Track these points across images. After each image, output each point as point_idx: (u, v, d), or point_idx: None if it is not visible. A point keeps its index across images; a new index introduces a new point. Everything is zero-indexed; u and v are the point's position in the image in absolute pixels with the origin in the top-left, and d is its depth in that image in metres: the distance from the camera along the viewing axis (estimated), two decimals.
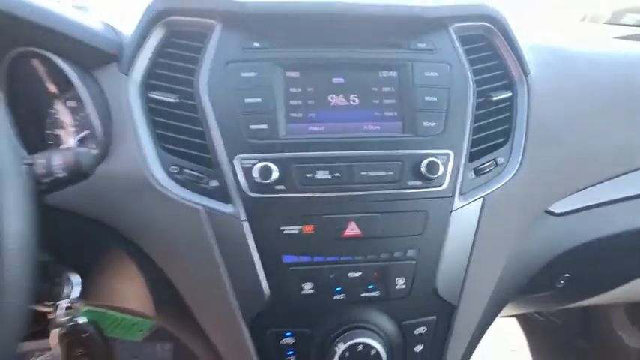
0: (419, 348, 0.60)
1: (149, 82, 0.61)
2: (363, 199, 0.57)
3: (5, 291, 0.38)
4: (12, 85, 0.61)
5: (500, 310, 0.69)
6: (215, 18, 0.60)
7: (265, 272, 0.56)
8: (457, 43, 0.64)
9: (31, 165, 0.50)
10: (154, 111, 0.60)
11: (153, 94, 0.60)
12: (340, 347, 0.55)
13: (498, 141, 0.65)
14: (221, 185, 0.57)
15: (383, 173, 0.58)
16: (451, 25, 0.64)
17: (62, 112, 0.71)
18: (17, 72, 0.60)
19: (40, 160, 0.51)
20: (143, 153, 0.57)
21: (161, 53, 0.61)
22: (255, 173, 0.55)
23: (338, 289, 0.57)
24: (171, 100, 0.59)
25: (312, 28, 0.61)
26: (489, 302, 0.64)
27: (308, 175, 0.56)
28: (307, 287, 0.56)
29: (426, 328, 0.60)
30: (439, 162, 0.58)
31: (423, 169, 0.57)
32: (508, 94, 0.65)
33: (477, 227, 0.61)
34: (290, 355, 0.57)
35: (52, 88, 0.64)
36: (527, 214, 0.66)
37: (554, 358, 1.47)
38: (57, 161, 0.51)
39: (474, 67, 0.64)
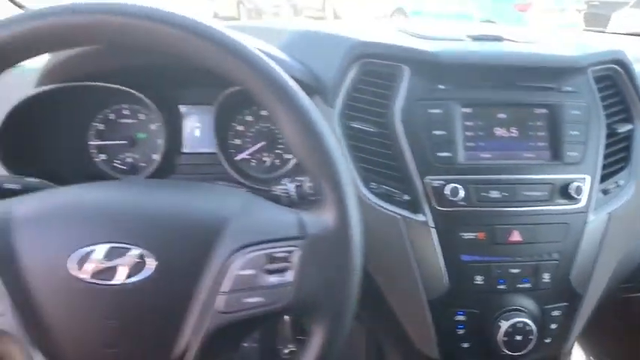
0: (554, 326, 0.78)
1: (345, 113, 0.76)
2: (524, 213, 0.74)
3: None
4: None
5: (612, 296, 0.87)
6: (405, 63, 0.75)
7: (446, 267, 0.74)
8: (593, 85, 0.79)
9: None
10: (352, 137, 0.76)
11: (353, 124, 0.76)
12: (504, 324, 0.73)
13: (619, 166, 0.81)
14: (412, 199, 0.74)
15: (538, 193, 0.74)
16: (590, 68, 0.79)
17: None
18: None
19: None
20: (353, 173, 0.74)
21: (356, 89, 0.77)
22: (446, 191, 0.71)
23: (501, 281, 0.74)
24: (370, 129, 0.75)
25: (485, 73, 0.76)
26: (604, 290, 0.82)
27: (483, 194, 0.73)
28: (478, 279, 0.74)
29: (560, 312, 0.78)
30: (581, 185, 0.74)
31: (570, 191, 0.74)
32: (630, 126, 0.81)
33: (603, 236, 0.78)
34: (460, 328, 0.76)
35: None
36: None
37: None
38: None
39: (604, 104, 0.80)
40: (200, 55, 0.48)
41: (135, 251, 0.47)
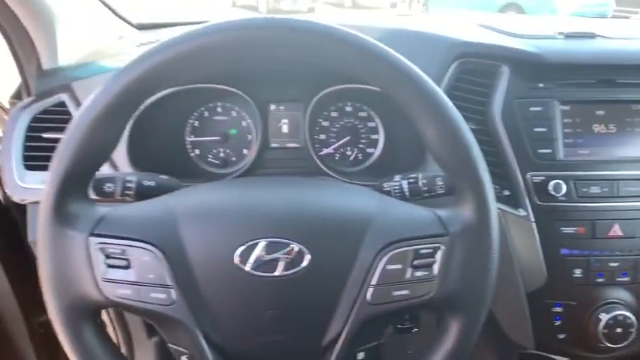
0: None
1: None
2: (624, 208, 0.76)
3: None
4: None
5: None
6: (505, 62, 0.77)
7: (545, 260, 0.76)
8: None
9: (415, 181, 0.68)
10: None
11: None
12: (604, 317, 0.75)
13: None
14: (513, 194, 0.76)
15: (638, 189, 0.76)
16: None
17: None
18: None
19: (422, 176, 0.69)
20: None
21: (455, 87, 0.79)
22: (549, 187, 0.73)
23: (600, 274, 0.76)
24: (469, 127, 0.77)
25: (585, 71, 0.78)
26: None
27: (583, 189, 0.75)
28: (577, 272, 0.76)
29: None
30: None
31: None
32: None
33: None
34: (557, 320, 0.78)
35: None
36: None
37: None
38: (439, 182, 0.69)
39: None
40: (344, 58, 0.50)
41: (293, 246, 0.51)
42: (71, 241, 0.50)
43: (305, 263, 0.51)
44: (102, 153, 0.51)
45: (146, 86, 0.48)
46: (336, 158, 0.98)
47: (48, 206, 0.49)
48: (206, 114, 0.95)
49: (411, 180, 0.67)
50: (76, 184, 0.50)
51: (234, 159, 0.96)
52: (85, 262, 0.50)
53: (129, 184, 0.63)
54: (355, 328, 0.52)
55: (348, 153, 0.98)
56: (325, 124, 0.97)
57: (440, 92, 0.51)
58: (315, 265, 0.51)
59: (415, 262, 0.52)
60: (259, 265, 0.50)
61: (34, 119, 0.83)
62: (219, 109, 0.95)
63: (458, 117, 0.51)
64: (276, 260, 0.50)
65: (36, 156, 0.81)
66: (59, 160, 0.49)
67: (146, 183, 0.65)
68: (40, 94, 0.84)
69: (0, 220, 1.04)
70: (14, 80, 0.95)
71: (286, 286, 0.51)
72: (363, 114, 0.96)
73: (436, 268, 0.52)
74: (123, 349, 1.14)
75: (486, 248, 0.52)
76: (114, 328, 1.13)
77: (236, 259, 0.50)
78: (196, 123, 0.95)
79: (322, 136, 0.97)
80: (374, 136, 0.97)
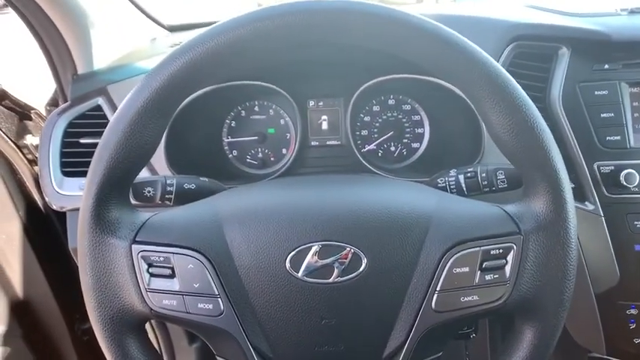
0: None
1: None
2: None
3: None
4: None
5: None
6: (564, 43, 0.71)
7: (617, 258, 0.69)
8: None
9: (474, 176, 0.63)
10: None
11: None
12: None
13: None
14: (577, 186, 0.69)
15: None
16: None
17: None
18: None
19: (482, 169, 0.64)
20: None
21: (509, 72, 0.73)
22: (621, 177, 0.67)
23: None
24: None
25: None
26: None
27: None
28: None
29: None
30: None
31: None
32: None
33: None
34: (632, 323, 0.71)
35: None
36: None
37: None
38: (500, 175, 0.64)
39: None
40: (408, 42, 0.45)
41: (348, 249, 0.46)
42: (113, 249, 0.47)
43: (362, 268, 0.46)
44: (142, 155, 0.48)
45: (187, 80, 0.45)
46: (379, 155, 0.93)
47: (87, 212, 0.47)
48: (243, 113, 0.92)
49: (469, 174, 0.62)
50: (116, 189, 0.47)
51: (272, 159, 0.93)
52: (128, 271, 0.47)
53: (169, 188, 0.60)
54: (419, 339, 0.47)
55: (392, 149, 0.93)
56: (367, 119, 0.92)
57: (509, 76, 0.46)
58: (373, 270, 0.46)
59: (485, 265, 0.47)
60: (312, 271, 0.46)
61: (71, 124, 0.81)
62: (256, 108, 0.92)
63: (528, 101, 0.46)
64: (330, 265, 0.46)
65: (74, 162, 0.80)
66: (97, 163, 0.46)
67: (187, 186, 0.62)
68: (76, 99, 0.83)
69: (41, 227, 1.04)
70: (47, 88, 0.94)
71: (342, 293, 0.47)
72: (406, 107, 0.91)
73: (508, 270, 0.47)
74: (164, 356, 1.13)
75: (565, 246, 0.47)
76: (155, 334, 1.12)
77: (287, 265, 0.46)
78: (233, 123, 0.92)
79: (364, 132, 0.93)
80: (419, 130, 0.92)
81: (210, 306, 0.47)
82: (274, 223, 0.48)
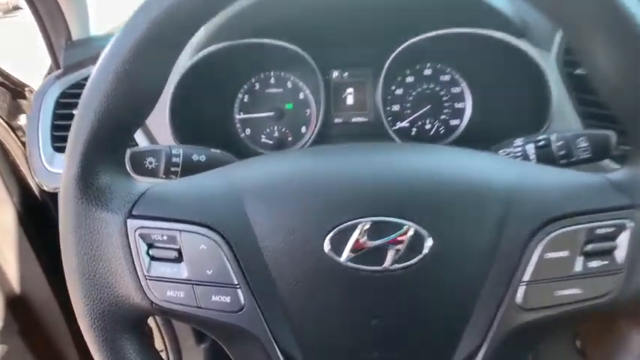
0: None
1: (564, 59, 0.61)
2: None
3: None
4: None
5: None
6: None
7: None
8: None
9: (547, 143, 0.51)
10: (575, 85, 0.60)
11: (576, 71, 0.60)
12: None
13: None
14: None
15: None
16: None
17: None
18: None
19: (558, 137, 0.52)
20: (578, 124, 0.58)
21: None
22: None
23: None
24: None
25: None
26: None
27: None
28: None
29: None
30: None
31: None
32: None
33: None
34: None
35: None
36: None
37: None
38: (582, 143, 0.52)
39: None
40: None
41: (406, 228, 0.35)
42: (103, 225, 0.37)
43: (425, 251, 0.35)
44: (140, 105, 0.37)
45: (187, 10, 0.34)
46: (413, 133, 0.81)
47: (71, 180, 0.36)
48: (257, 87, 0.81)
49: (541, 143, 0.50)
50: (108, 150, 0.37)
51: (290, 138, 0.82)
52: (122, 253, 0.37)
53: (175, 159, 0.50)
54: (500, 343, 0.36)
55: (428, 126, 0.81)
56: (399, 92, 0.80)
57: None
58: (440, 254, 0.35)
59: (588, 248, 0.35)
60: (359, 255, 0.35)
61: (63, 95, 0.72)
62: (272, 80, 0.81)
63: None
64: (383, 248, 0.35)
65: (66, 136, 0.70)
66: (83, 116, 0.35)
67: (196, 158, 0.51)
68: (70, 67, 0.73)
69: (37, 215, 0.95)
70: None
71: (398, 284, 0.36)
72: (445, 78, 0.79)
73: (620, 255, 0.35)
74: (170, 357, 1.03)
75: None
76: (160, 333, 1.02)
77: (326, 248, 0.35)
78: (246, 98, 0.81)
79: (395, 108, 0.81)
80: (459, 105, 0.80)
81: (228, 299, 0.37)
82: (309, 194, 0.37)
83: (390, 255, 0.35)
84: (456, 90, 0.79)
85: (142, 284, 0.37)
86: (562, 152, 0.48)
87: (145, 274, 0.37)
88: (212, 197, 0.38)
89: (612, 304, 0.35)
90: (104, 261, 0.37)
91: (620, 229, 0.35)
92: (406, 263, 0.35)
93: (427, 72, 0.79)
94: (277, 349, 0.37)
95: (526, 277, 0.35)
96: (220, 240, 0.36)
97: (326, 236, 0.35)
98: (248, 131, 0.82)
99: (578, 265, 0.35)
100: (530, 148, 0.49)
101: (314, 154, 0.42)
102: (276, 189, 0.37)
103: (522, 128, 0.67)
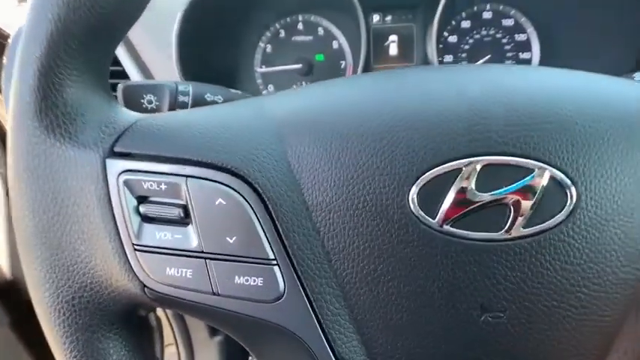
0: None
1: None
2: None
3: None
4: None
5: None
6: None
7: None
8: None
9: None
10: None
11: None
12: None
13: None
14: None
15: None
16: None
17: None
18: None
19: None
20: None
21: None
22: None
23: None
24: None
25: None
26: None
27: None
28: None
29: None
30: None
31: None
32: None
33: None
34: None
35: None
36: None
37: None
38: None
39: None
40: None
41: (540, 173, 0.23)
42: (69, 165, 0.25)
43: (568, 208, 0.23)
44: None
45: None
46: None
47: (23, 92, 0.24)
48: (282, 34, 0.68)
49: None
50: (79, 52, 0.25)
51: None
52: (99, 210, 0.25)
53: (182, 98, 0.37)
54: None
55: None
56: (452, 39, 0.68)
57: None
58: (592, 213, 0.23)
59: None
60: (464, 215, 0.23)
61: None
62: (299, 26, 0.68)
63: None
64: (502, 204, 0.23)
65: None
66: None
67: (210, 97, 0.39)
68: None
69: None
70: None
71: (525, 261, 0.23)
72: (508, 22, 0.66)
73: None
74: (181, 352, 0.92)
75: None
76: (170, 324, 0.91)
77: (411, 205, 0.23)
78: (269, 48, 0.68)
79: (448, 58, 0.68)
80: (524, 55, 0.67)
81: (259, 281, 0.25)
82: (381, 126, 0.24)
83: (514, 215, 0.22)
84: (520, 37, 0.67)
85: (129, 258, 0.25)
86: None
87: (134, 242, 0.25)
88: (236, 130, 0.25)
89: None
90: (72, 223, 0.25)
91: None
92: (540, 226, 0.23)
93: (487, 15, 0.66)
94: (333, 358, 0.24)
95: None
96: (248, 191, 0.24)
97: (411, 187, 0.23)
98: (271, 87, 0.69)
99: None
100: None
101: (384, 78, 0.29)
102: (333, 122, 0.25)
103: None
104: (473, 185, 0.23)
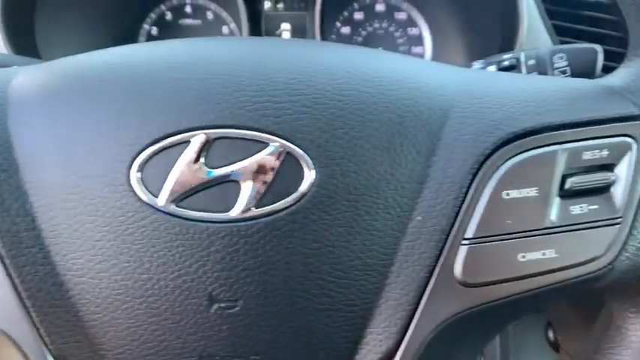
0: None
1: None
2: None
3: None
4: None
5: None
6: None
7: None
8: None
9: None
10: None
11: None
12: None
13: None
14: None
15: None
16: None
17: None
18: None
19: None
20: None
21: None
22: None
23: None
24: None
25: None
26: None
27: None
28: None
29: None
30: None
31: None
32: None
33: None
34: None
35: None
36: None
37: None
38: (560, 61, 0.39)
39: None
40: None
41: (276, 149, 0.20)
42: None
43: (303, 188, 0.21)
44: None
45: None
46: None
47: None
48: (169, 16, 0.65)
49: (507, 62, 0.37)
50: None
51: None
52: None
53: None
54: (430, 340, 0.23)
55: None
56: (345, 30, 0.66)
57: None
58: (329, 194, 0.21)
59: (571, 183, 0.23)
60: (190, 193, 0.21)
61: None
62: (187, 9, 0.65)
63: None
64: (233, 182, 0.21)
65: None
66: None
67: None
68: None
69: None
70: None
71: (257, 243, 0.21)
72: (401, 15, 0.65)
73: (620, 193, 0.23)
74: None
75: None
76: None
77: (133, 180, 0.21)
78: (154, 30, 0.65)
79: None
80: (417, 50, 0.66)
81: None
82: (103, 92, 0.22)
83: (246, 193, 0.20)
84: (413, 31, 0.66)
85: None
86: (536, 72, 0.35)
87: None
88: None
89: (603, 276, 0.22)
90: None
91: (620, 152, 0.22)
92: (272, 206, 0.21)
93: (379, 8, 0.65)
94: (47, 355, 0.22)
95: (470, 231, 0.21)
96: None
97: (132, 162, 0.20)
98: None
99: (553, 212, 0.22)
100: (493, 69, 0.36)
101: (135, 48, 0.27)
102: (53, 84, 0.22)
103: None
104: (203, 160, 0.20)
